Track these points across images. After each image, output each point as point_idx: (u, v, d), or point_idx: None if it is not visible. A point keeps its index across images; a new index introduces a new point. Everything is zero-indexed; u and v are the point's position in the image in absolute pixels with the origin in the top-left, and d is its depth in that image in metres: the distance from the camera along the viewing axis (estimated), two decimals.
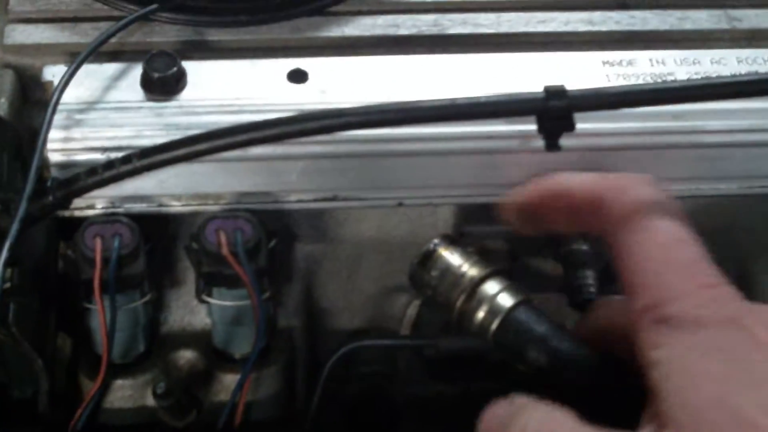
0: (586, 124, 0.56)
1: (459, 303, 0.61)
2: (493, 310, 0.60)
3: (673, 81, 0.66)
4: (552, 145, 0.56)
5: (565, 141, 0.55)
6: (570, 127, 0.55)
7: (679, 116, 0.65)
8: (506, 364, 0.60)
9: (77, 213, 0.64)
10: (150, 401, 0.68)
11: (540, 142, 0.56)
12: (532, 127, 0.55)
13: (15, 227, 0.55)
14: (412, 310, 0.75)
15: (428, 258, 0.62)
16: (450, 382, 0.76)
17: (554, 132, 0.55)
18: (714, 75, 0.68)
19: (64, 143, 0.62)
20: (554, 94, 0.55)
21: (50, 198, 0.57)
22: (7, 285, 0.56)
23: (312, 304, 0.74)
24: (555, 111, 0.55)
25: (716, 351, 0.48)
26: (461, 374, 0.75)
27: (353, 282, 0.74)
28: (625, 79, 0.67)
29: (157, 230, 0.67)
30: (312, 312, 0.74)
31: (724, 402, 0.46)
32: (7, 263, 0.54)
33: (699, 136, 0.66)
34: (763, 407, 0.46)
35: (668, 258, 0.52)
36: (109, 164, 0.57)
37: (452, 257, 0.62)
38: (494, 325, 0.60)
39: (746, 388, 0.46)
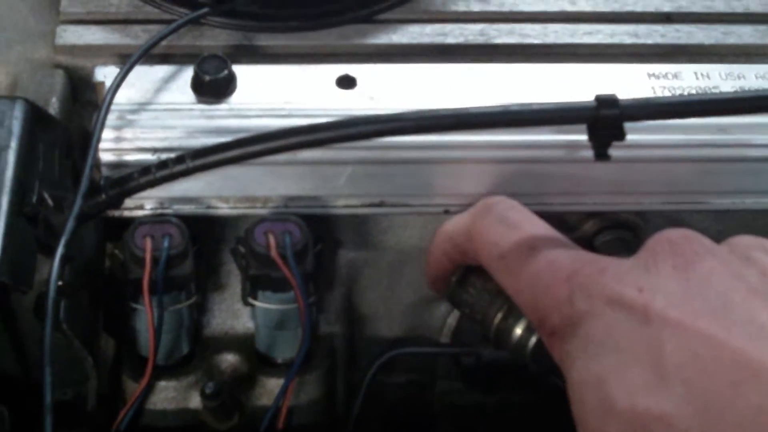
0: (631, 135, 0.56)
1: (496, 320, 0.61)
2: (531, 327, 0.60)
3: (723, 93, 0.66)
4: (601, 155, 0.56)
5: (611, 152, 0.55)
6: (620, 136, 0.55)
7: (724, 129, 0.66)
8: (546, 375, 0.61)
9: (126, 213, 0.65)
10: (192, 403, 0.68)
11: (587, 152, 0.56)
12: (580, 136, 0.55)
13: (70, 224, 0.55)
14: (452, 320, 0.75)
15: (466, 277, 0.62)
16: (488, 392, 0.76)
17: (604, 141, 0.55)
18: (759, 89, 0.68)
19: (115, 143, 0.63)
20: (605, 103, 0.54)
21: (103, 196, 0.58)
22: (60, 282, 0.56)
23: (353, 310, 0.74)
24: (606, 120, 0.54)
25: (595, 347, 0.48)
26: (500, 384, 0.75)
27: (394, 290, 0.75)
28: (670, 92, 0.67)
29: (202, 233, 0.68)
30: (352, 319, 0.74)
31: (603, 399, 0.46)
32: (63, 260, 0.55)
33: (744, 149, 0.67)
34: (627, 388, 0.46)
35: (529, 272, 0.53)
36: (163, 164, 0.57)
37: (489, 276, 0.62)
38: (532, 342, 0.60)
39: (616, 373, 0.46)
